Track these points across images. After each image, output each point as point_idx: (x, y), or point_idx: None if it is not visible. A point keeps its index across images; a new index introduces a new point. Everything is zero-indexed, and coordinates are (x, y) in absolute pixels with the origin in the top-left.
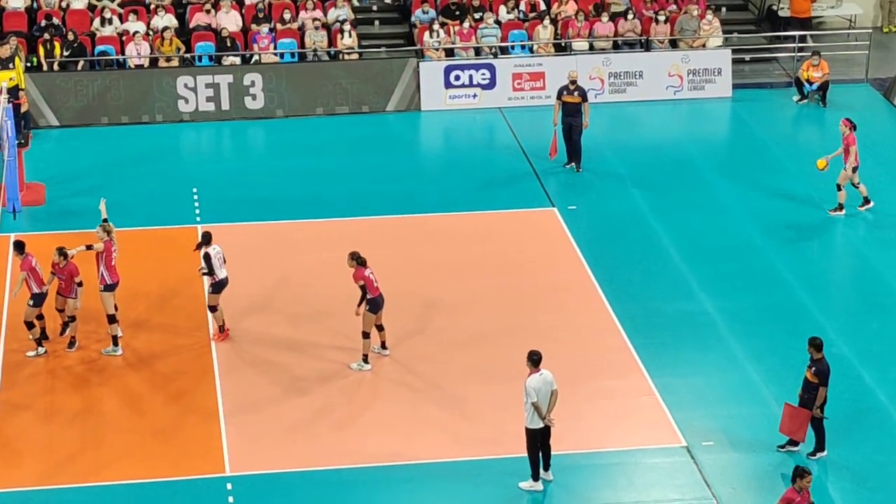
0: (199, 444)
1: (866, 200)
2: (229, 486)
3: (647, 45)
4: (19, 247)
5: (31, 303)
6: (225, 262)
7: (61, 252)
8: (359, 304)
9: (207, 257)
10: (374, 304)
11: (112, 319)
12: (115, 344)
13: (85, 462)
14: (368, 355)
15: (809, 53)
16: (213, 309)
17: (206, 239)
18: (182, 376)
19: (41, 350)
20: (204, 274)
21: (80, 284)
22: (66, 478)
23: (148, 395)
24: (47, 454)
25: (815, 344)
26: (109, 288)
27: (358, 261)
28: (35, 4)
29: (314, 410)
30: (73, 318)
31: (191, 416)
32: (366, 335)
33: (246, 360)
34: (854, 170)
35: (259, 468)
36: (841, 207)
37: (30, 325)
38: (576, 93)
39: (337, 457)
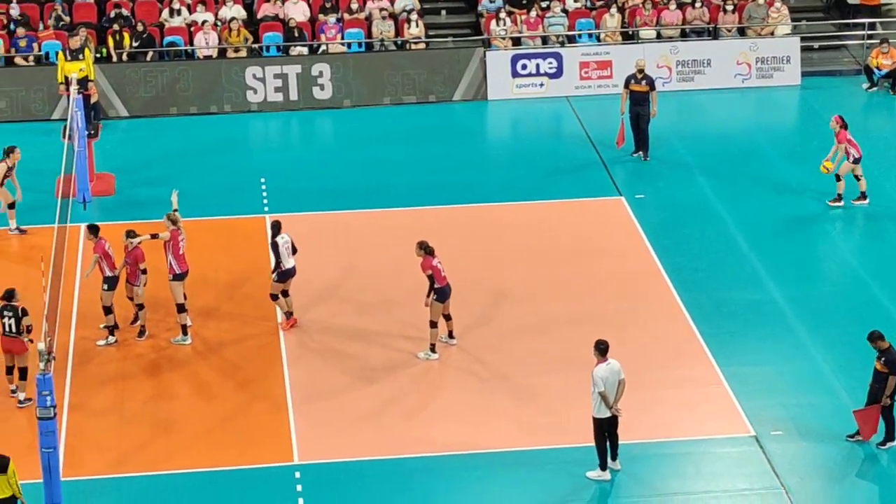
0: (268, 432)
1: (863, 195)
2: (297, 475)
3: (715, 34)
4: (94, 230)
5: (106, 286)
6: (295, 252)
7: (129, 234)
8: (427, 294)
9: (275, 246)
10: (441, 293)
11: (181, 308)
12: (185, 333)
13: (154, 450)
14: (436, 345)
15: (879, 41)
16: (274, 297)
17: (276, 228)
18: (250, 365)
19: (111, 339)
20: (277, 264)
21: (143, 271)
22: (135, 466)
23: (216, 384)
24: (117, 442)
25: (876, 336)
26: (178, 277)
27: (426, 250)
28: None
29: (382, 399)
30: (141, 307)
31: (259, 405)
32: (433, 324)
33: (314, 348)
34: (856, 161)
35: (327, 457)
36: (839, 198)
37: (107, 310)
38: (643, 82)
39: (404, 445)
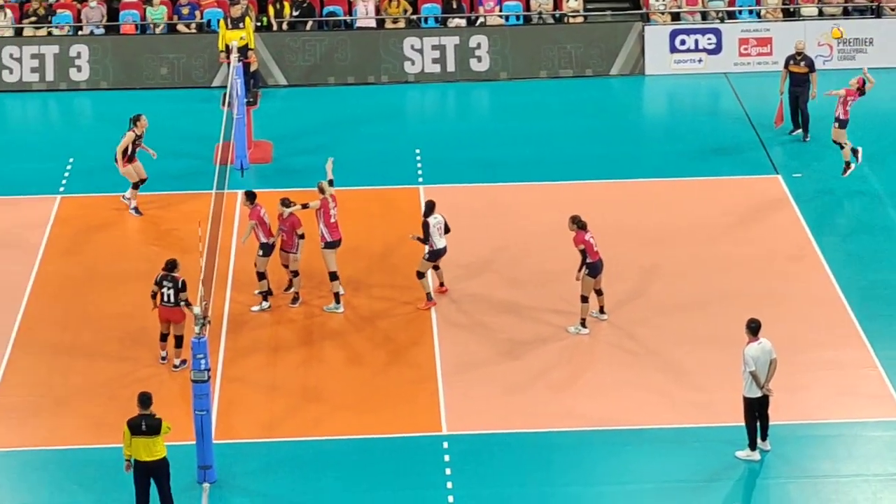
0: (417, 402)
1: (847, 165)
2: (445, 445)
3: (878, 12)
4: (250, 197)
5: (261, 252)
6: (447, 231)
7: (284, 202)
8: (579, 269)
9: (426, 225)
10: (593, 268)
11: (334, 276)
12: (337, 301)
13: (305, 416)
14: (586, 319)
15: None
16: (420, 275)
17: (430, 207)
18: (401, 334)
19: (265, 304)
20: (418, 240)
21: (301, 237)
22: (285, 431)
23: (367, 352)
24: (268, 406)
25: None
26: (330, 245)
27: (579, 225)
28: None
29: (531, 372)
30: (296, 273)
31: (409, 374)
32: (584, 299)
33: (464, 320)
34: (841, 124)
35: (475, 428)
36: (848, 165)
37: (261, 276)
38: (802, 63)
39: (553, 419)
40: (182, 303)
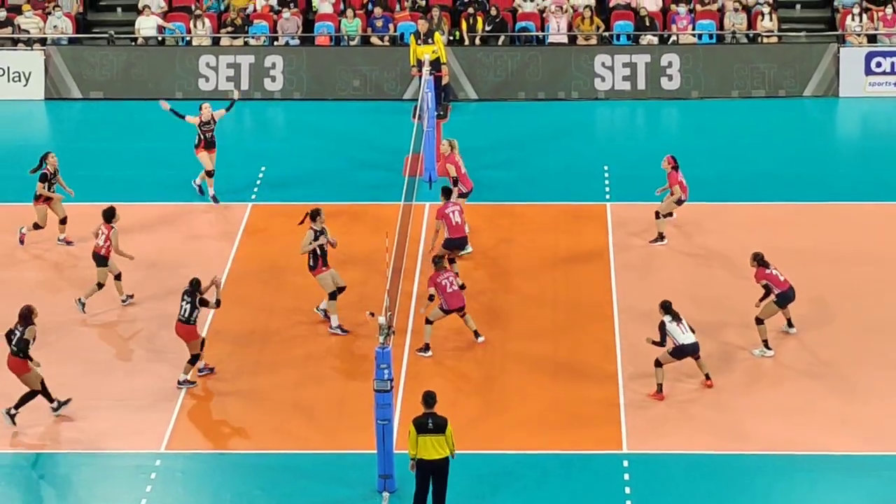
0: (598, 419)
1: (660, 236)
2: (626, 464)
3: None
4: (447, 193)
5: (445, 244)
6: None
7: (435, 261)
8: (760, 299)
9: (662, 326)
10: (783, 297)
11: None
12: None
13: (486, 428)
14: (768, 340)
15: None
16: (657, 363)
17: (672, 312)
18: (584, 351)
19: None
20: (654, 343)
21: (430, 298)
22: (466, 443)
23: (549, 369)
24: (451, 417)
25: None
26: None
27: (759, 261)
28: None
29: (713, 393)
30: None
31: (591, 392)
32: (759, 321)
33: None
34: (678, 202)
35: (656, 448)
36: (661, 237)
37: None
38: None
39: (734, 441)
40: (194, 321)
